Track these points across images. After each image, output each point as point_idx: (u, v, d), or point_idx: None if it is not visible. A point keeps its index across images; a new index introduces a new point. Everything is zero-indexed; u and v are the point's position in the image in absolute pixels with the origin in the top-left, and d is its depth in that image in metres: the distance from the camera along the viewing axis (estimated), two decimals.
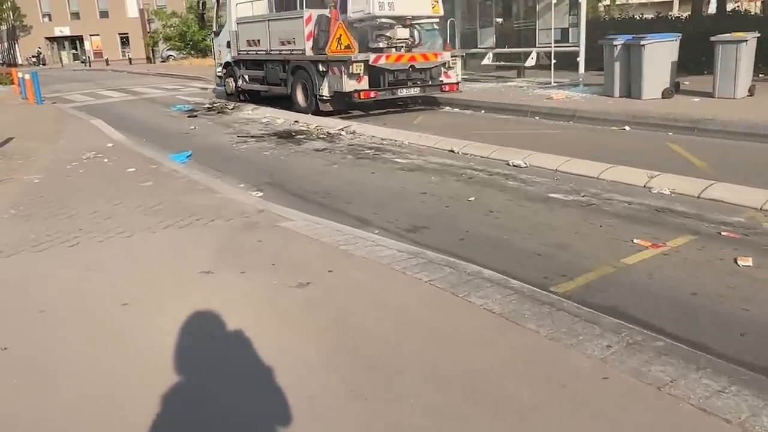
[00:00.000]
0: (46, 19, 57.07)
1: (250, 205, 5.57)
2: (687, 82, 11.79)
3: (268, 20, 13.13)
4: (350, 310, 3.19)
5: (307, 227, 4.83)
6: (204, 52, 47.86)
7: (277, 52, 12.76)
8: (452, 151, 7.86)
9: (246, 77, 14.35)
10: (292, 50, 12.30)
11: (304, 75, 12.19)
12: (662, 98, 10.54)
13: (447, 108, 12.51)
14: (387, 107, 12.45)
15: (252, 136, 9.91)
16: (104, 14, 57.07)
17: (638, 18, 18.59)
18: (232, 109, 13.59)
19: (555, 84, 13.47)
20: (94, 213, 5.44)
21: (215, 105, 14.28)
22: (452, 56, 12.34)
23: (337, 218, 5.25)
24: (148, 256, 4.28)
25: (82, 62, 54.16)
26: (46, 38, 57.07)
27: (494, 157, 7.37)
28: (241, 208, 5.42)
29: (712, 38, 10.14)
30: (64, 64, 55.72)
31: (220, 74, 15.70)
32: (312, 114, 11.75)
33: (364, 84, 11.07)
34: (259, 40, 13.35)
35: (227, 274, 3.78)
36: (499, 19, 15.85)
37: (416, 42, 12.09)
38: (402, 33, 11.71)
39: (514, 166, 6.89)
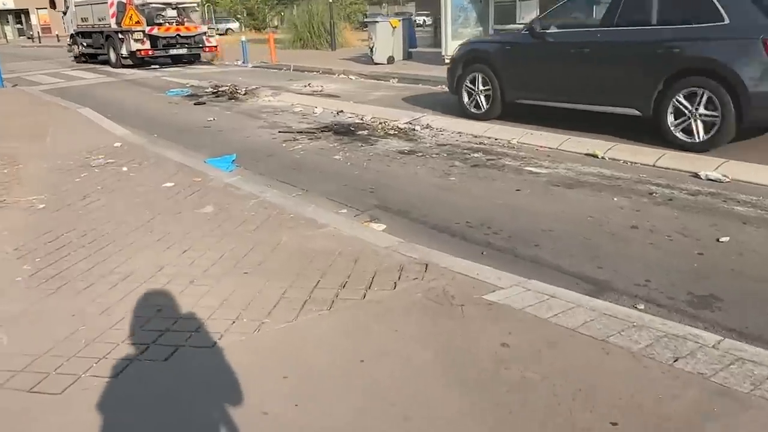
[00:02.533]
0: None
1: (390, 250, 3.75)
2: None
3: (91, 4, 19.26)
4: None
5: (541, 305, 2.99)
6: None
7: (97, 26, 19.23)
8: (593, 156, 6.07)
9: (83, 44, 20.83)
10: (105, 25, 18.63)
11: (112, 41, 18.57)
12: None
13: None
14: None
15: (299, 132, 7.91)
16: None
17: None
18: (244, 94, 11.47)
19: None
20: (157, 274, 3.48)
21: (221, 89, 12.12)
22: (209, 28, 20.09)
23: (544, 276, 3.44)
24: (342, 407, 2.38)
25: (29, 38, 50.09)
26: None
27: (664, 165, 5.62)
28: (383, 257, 3.63)
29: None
30: (9, 39, 51.51)
31: (69, 42, 22.11)
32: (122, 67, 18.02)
33: (146, 45, 17.65)
34: (87, 18, 19.79)
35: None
36: None
37: (183, 19, 19.08)
38: (171, 13, 18.83)
39: (710, 180, 5.16)
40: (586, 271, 3.61)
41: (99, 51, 19.74)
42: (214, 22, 48.31)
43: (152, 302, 3.15)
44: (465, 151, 6.58)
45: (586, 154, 6.16)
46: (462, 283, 3.27)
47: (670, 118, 6.10)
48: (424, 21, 60.01)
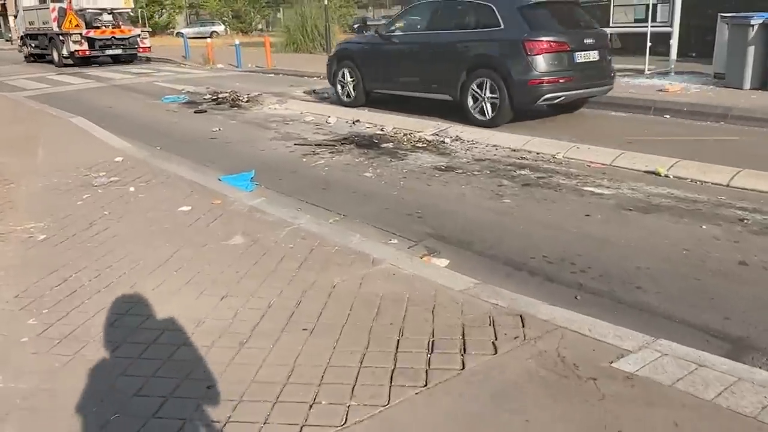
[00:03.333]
0: None
1: (469, 295, 3.19)
2: None
3: (36, 9, 21.35)
4: None
5: (692, 378, 2.41)
6: (153, 30, 43.88)
7: (42, 29, 21.06)
8: (654, 173, 5.52)
9: (32, 45, 22.48)
10: (48, 28, 20.39)
11: (55, 43, 20.30)
12: None
13: None
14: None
15: (317, 144, 7.28)
16: None
17: None
18: (247, 101, 10.81)
19: (649, 72, 11.31)
20: (196, 331, 2.83)
21: (221, 95, 11.44)
22: (142, 31, 21.32)
23: (661, 329, 2.89)
24: None
25: (8, 40, 48.73)
26: None
27: (740, 185, 5.09)
28: (464, 305, 3.10)
29: None
30: None
31: (20, 44, 23.93)
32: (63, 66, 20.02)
33: (84, 46, 19.50)
34: (34, 22, 21.80)
35: None
36: None
37: (118, 23, 20.77)
38: (107, 17, 20.61)
39: None
40: (711, 323, 3.03)
41: (45, 51, 21.64)
42: (200, 26, 47.54)
43: (198, 375, 2.52)
44: (508, 167, 6.00)
45: (646, 172, 5.60)
46: (577, 343, 2.68)
47: (470, 102, 7.98)
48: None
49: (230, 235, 4.17)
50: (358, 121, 8.56)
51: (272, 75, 16.33)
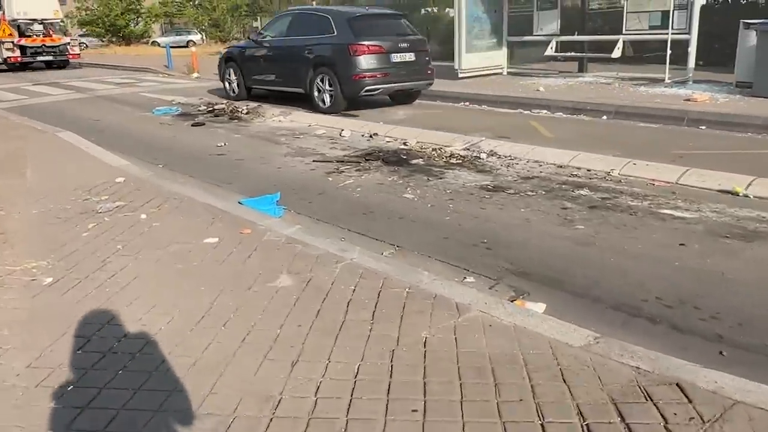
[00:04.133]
0: None
1: (597, 354, 2.65)
2: None
3: None
4: None
5: None
6: (128, 39, 42.86)
7: None
8: (731, 193, 5.01)
9: None
10: None
11: None
12: None
13: (543, 111, 9.63)
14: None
15: (339, 161, 6.65)
16: None
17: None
18: (246, 113, 10.14)
19: (668, 81, 10.90)
20: (274, 420, 2.20)
21: (217, 107, 10.74)
22: (72, 39, 23.27)
23: None
24: None
25: None
26: None
27: None
28: (597, 370, 2.55)
29: None
30: None
31: None
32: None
33: (17, 53, 21.05)
34: None
35: None
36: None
37: (49, 32, 22.12)
38: (38, 27, 21.92)
39: None
40: None
41: None
42: (175, 35, 46.51)
43: None
44: (563, 186, 5.44)
45: (720, 191, 5.08)
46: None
47: (315, 93, 10.00)
48: None
49: (275, 275, 3.53)
50: (375, 134, 7.95)
51: None
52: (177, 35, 47.01)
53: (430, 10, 21.34)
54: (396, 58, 9.80)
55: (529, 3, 13.73)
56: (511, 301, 3.28)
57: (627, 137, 7.52)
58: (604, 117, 9.00)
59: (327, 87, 9.77)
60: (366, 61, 9.50)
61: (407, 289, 3.27)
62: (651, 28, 11.50)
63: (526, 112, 9.77)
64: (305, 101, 10.31)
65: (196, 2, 48.45)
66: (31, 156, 6.83)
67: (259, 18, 53.28)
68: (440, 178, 5.84)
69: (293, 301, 3.18)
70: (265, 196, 5.35)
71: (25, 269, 3.68)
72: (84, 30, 41.50)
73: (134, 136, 8.59)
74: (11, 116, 9.91)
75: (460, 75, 13.10)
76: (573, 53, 13.27)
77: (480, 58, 13.37)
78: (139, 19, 44.32)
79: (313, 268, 3.60)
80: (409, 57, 9.97)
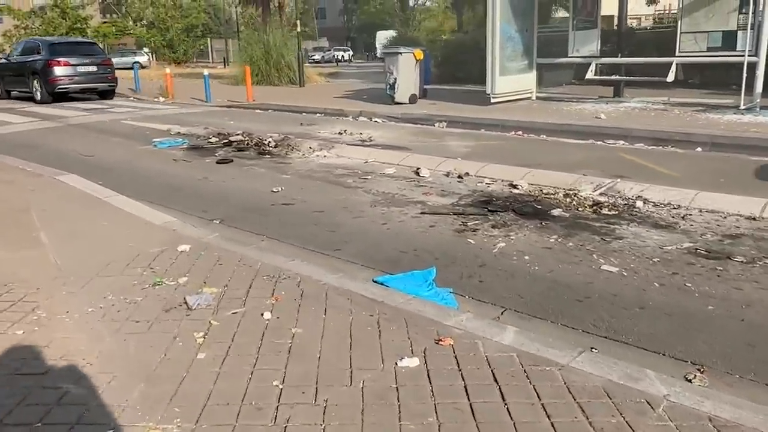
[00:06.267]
0: None
1: None
2: None
3: None
4: None
5: None
6: None
7: None
8: None
9: None
10: None
11: None
12: None
13: (621, 142, 8.48)
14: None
15: (455, 213, 5.23)
16: None
17: None
18: (275, 146, 8.59)
19: (744, 107, 9.98)
20: None
21: (233, 139, 9.15)
22: None
23: None
24: None
25: None
26: None
27: None
28: None
29: None
30: None
31: None
32: None
33: None
34: None
35: None
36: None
37: None
38: None
39: None
40: None
41: None
42: (120, 56, 43.96)
43: None
44: None
45: None
46: None
47: (34, 91, 16.46)
48: (342, 57, 58.53)
49: None
50: (466, 174, 6.56)
51: (260, 111, 14.08)
52: (122, 56, 44.52)
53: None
54: (81, 69, 16.34)
55: (562, 22, 12.76)
56: None
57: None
58: (699, 149, 7.92)
59: (38, 87, 16.07)
60: (59, 71, 15.95)
61: None
62: (710, 49, 10.61)
63: (599, 143, 8.59)
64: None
65: (144, 23, 46.28)
66: (38, 212, 5.12)
67: (209, 39, 51.64)
68: (619, 238, 4.49)
69: None
70: (412, 273, 3.86)
71: None
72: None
73: (152, 178, 6.92)
74: None
75: (493, 100, 11.94)
76: (616, 76, 12.29)
77: (511, 81, 12.26)
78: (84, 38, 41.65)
79: (604, 416, 2.18)
80: (92, 69, 16.61)
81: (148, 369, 2.64)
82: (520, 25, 12.06)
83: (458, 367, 2.65)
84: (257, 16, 39.27)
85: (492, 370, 2.61)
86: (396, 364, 2.66)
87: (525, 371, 2.61)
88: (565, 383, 2.51)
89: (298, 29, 20.28)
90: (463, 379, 2.55)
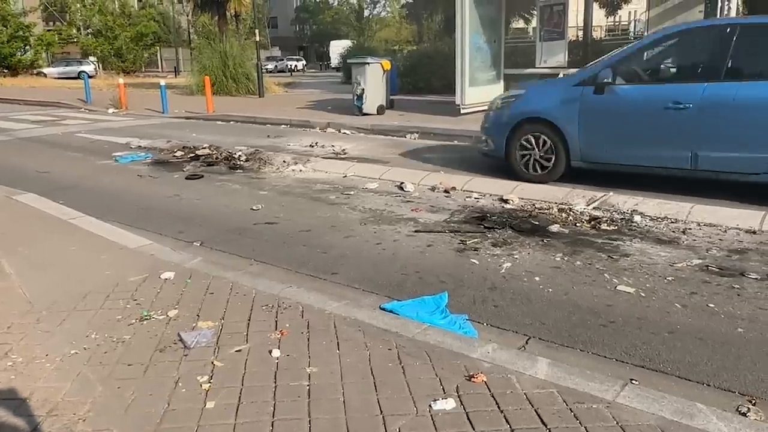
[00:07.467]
0: None
1: None
2: None
3: None
4: None
5: None
6: (15, 69, 38.56)
7: None
8: None
9: None
10: None
11: None
12: None
13: None
14: None
15: (451, 231, 5.02)
16: None
17: None
18: (246, 161, 8.24)
19: None
20: None
21: (200, 153, 8.75)
22: None
23: None
24: None
25: None
26: None
27: None
28: None
29: None
30: None
31: None
32: None
33: None
34: None
35: None
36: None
37: None
38: None
39: None
40: None
41: None
42: (65, 65, 42.37)
43: None
44: None
45: None
46: None
47: None
48: (296, 66, 58.07)
49: None
50: (453, 188, 6.37)
51: (221, 123, 13.65)
52: (67, 66, 43.00)
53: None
54: None
55: (525, 34, 12.81)
56: None
57: None
58: None
59: None
60: None
61: None
62: None
63: None
64: None
65: (90, 31, 44.82)
66: (4, 241, 4.67)
67: (159, 48, 50.40)
68: (626, 256, 4.36)
69: None
70: (422, 299, 3.63)
71: None
72: None
73: (118, 197, 6.49)
74: None
75: (463, 111, 11.85)
76: None
77: (480, 92, 12.19)
78: (28, 47, 40.04)
79: None
80: None
81: (151, 423, 2.33)
82: (489, 36, 12.04)
83: (498, 408, 2.43)
84: (211, 25, 38.66)
85: (536, 411, 2.41)
86: (430, 407, 2.43)
87: (571, 410, 2.41)
88: (617, 422, 2.31)
89: (257, 38, 19.86)
90: (509, 423, 2.33)
